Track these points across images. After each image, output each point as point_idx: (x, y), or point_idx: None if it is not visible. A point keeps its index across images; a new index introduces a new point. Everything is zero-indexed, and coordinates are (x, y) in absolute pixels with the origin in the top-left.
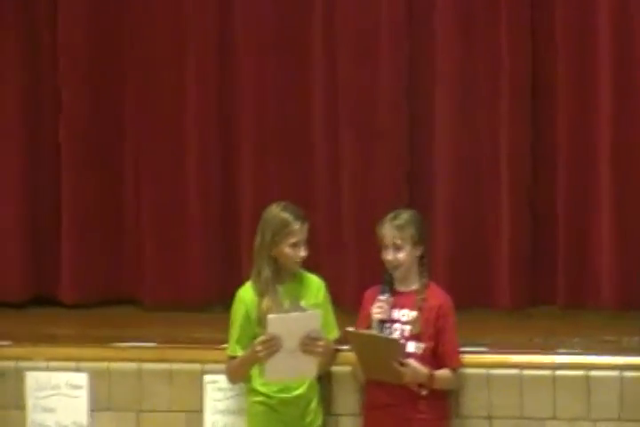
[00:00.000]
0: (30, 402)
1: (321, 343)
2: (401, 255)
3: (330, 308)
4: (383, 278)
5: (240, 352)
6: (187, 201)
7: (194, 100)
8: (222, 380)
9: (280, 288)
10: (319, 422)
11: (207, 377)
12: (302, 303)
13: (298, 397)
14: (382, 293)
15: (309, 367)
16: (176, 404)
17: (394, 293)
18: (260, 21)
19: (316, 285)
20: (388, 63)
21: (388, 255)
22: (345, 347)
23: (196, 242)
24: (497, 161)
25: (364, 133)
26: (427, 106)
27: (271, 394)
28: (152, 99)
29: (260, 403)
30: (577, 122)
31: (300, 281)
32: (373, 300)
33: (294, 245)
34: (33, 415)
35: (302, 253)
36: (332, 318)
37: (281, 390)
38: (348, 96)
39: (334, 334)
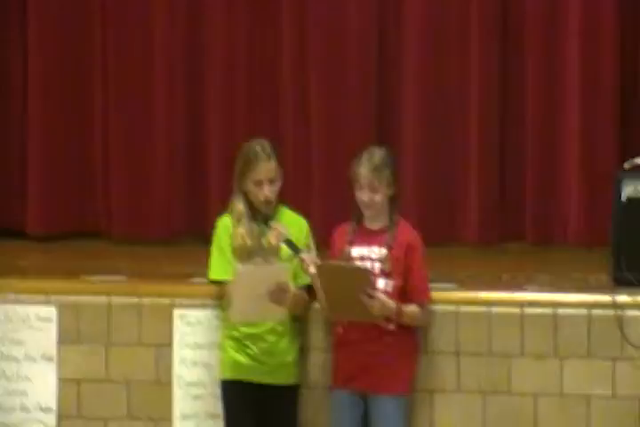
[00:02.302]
0: None
1: (288, 295)
2: (377, 196)
3: (311, 252)
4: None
5: (218, 276)
6: (154, 135)
7: (162, 39)
8: (192, 314)
9: (254, 225)
10: (290, 358)
11: (176, 311)
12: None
13: (265, 332)
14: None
15: (276, 313)
16: (145, 338)
17: (365, 231)
18: None
19: (297, 225)
20: (357, 11)
21: (364, 196)
22: None
23: (162, 176)
24: (466, 98)
25: (332, 71)
26: (396, 44)
27: (239, 327)
28: (121, 38)
29: (229, 337)
30: (545, 60)
31: (280, 219)
32: (341, 238)
33: (258, 183)
34: (1, 348)
35: (265, 192)
36: None
37: (251, 325)
38: (317, 34)
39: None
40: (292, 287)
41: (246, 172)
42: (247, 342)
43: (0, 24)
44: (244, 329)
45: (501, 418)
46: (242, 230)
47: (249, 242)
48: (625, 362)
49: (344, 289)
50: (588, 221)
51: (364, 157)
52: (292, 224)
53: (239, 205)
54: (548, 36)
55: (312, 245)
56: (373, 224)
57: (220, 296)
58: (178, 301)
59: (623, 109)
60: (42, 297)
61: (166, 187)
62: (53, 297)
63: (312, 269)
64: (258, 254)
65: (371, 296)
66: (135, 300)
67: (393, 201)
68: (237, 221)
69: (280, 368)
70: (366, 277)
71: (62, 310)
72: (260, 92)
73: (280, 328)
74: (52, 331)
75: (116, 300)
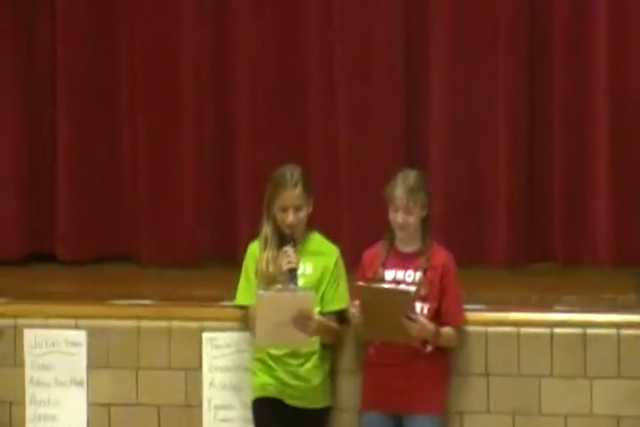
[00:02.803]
0: (28, 359)
1: (311, 323)
2: (411, 218)
3: (341, 279)
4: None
5: (242, 302)
6: (182, 159)
7: (189, 53)
8: (220, 337)
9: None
10: (316, 382)
11: (205, 335)
12: (301, 268)
13: (286, 355)
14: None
15: (301, 340)
16: (174, 361)
17: (398, 254)
18: None
19: (327, 252)
20: (384, 18)
21: (399, 218)
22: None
23: (191, 199)
24: (494, 117)
25: (359, 88)
26: (422, 61)
27: (261, 349)
28: (147, 53)
29: (257, 359)
30: (573, 75)
31: (309, 244)
32: (372, 260)
33: (284, 209)
34: (31, 372)
35: (289, 218)
36: (341, 289)
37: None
38: (345, 50)
39: (340, 305)
40: (317, 315)
41: (274, 197)
42: (272, 364)
43: (28, 32)
44: (266, 350)
45: None
46: (267, 255)
47: (272, 267)
48: None
49: (383, 311)
50: (617, 241)
51: (399, 179)
52: (322, 251)
53: (266, 230)
54: (576, 46)
55: (340, 276)
56: (407, 247)
57: (246, 320)
58: (207, 324)
59: None
60: (71, 322)
61: (194, 211)
62: (82, 322)
63: (353, 310)
64: (280, 280)
65: (411, 319)
66: (164, 324)
67: (425, 223)
68: (264, 245)
69: (307, 392)
70: (407, 299)
71: (91, 334)
72: (289, 110)
73: (304, 351)
74: (81, 355)
75: (145, 324)
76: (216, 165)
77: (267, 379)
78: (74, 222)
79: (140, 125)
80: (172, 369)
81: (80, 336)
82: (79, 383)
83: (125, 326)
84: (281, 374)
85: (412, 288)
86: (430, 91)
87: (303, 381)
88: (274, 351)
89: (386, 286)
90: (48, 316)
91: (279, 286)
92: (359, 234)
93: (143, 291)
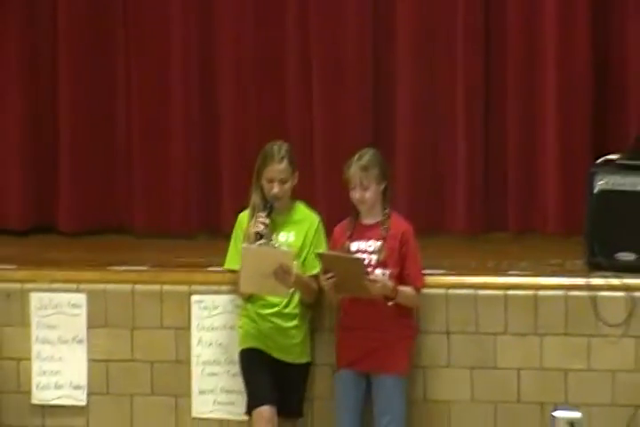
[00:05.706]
0: (35, 320)
1: (290, 277)
2: (368, 194)
3: (320, 245)
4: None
5: (230, 266)
6: (171, 137)
7: (178, 39)
8: (207, 299)
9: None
10: (297, 340)
11: (194, 297)
12: (285, 236)
13: (270, 314)
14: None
15: (280, 291)
16: (166, 321)
17: (362, 226)
18: None
19: (308, 221)
20: (354, 8)
21: (356, 194)
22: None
23: (180, 176)
24: (453, 96)
25: (332, 72)
26: (389, 53)
27: (250, 308)
28: (140, 36)
29: (245, 316)
30: (526, 60)
31: (293, 214)
32: (341, 234)
33: (270, 181)
34: (37, 332)
35: (275, 189)
36: None
37: (261, 306)
38: (320, 42)
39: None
40: (295, 270)
41: (262, 169)
42: (258, 321)
43: (30, 22)
44: (254, 309)
45: (488, 390)
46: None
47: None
48: (599, 339)
49: (345, 274)
50: (565, 212)
51: (354, 159)
52: (303, 219)
53: (255, 199)
54: (528, 39)
55: (321, 243)
56: (368, 219)
57: (234, 282)
58: (195, 288)
59: (598, 110)
60: (73, 286)
61: (183, 187)
62: (83, 286)
63: (322, 278)
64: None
65: (372, 281)
66: (157, 287)
67: (385, 196)
68: (252, 213)
69: (290, 348)
70: (360, 265)
71: (91, 297)
72: (269, 92)
73: (286, 311)
74: (82, 316)
75: (140, 288)
76: (202, 145)
77: (254, 332)
78: (74, 197)
79: (135, 106)
80: (164, 328)
81: (81, 299)
82: (80, 341)
83: (122, 290)
84: (267, 330)
85: (366, 257)
86: (396, 75)
87: (287, 338)
88: (261, 310)
89: (341, 254)
90: (52, 281)
91: (262, 241)
92: (332, 207)
93: (138, 259)
